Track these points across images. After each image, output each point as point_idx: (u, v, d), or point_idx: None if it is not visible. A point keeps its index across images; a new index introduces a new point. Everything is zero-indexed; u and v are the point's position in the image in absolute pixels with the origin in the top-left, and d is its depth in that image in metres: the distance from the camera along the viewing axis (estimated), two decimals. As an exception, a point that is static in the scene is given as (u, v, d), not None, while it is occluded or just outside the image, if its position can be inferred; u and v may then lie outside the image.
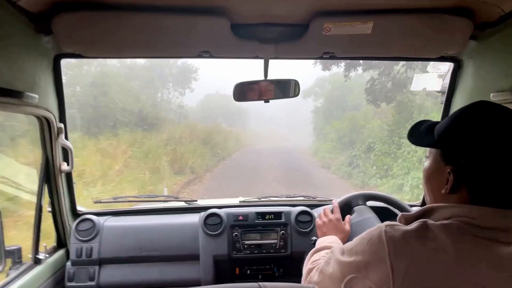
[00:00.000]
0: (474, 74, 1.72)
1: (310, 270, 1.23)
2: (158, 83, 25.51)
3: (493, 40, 1.53)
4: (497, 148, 0.85)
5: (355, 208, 1.89)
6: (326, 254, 1.33)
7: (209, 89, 39.48)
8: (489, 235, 0.85)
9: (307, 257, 1.41)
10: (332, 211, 1.76)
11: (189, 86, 26.81)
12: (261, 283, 0.90)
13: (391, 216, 2.03)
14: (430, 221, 0.90)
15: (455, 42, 1.58)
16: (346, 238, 1.65)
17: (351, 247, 1.00)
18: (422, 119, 1.12)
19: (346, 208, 1.90)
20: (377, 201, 1.98)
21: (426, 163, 1.03)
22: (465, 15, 1.45)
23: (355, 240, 1.00)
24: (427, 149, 1.04)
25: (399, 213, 1.94)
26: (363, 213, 1.85)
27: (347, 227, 1.69)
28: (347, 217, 1.75)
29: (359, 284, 0.94)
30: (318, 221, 1.74)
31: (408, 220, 0.96)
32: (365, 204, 1.93)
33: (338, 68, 17.33)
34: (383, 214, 1.95)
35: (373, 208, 1.91)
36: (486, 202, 0.88)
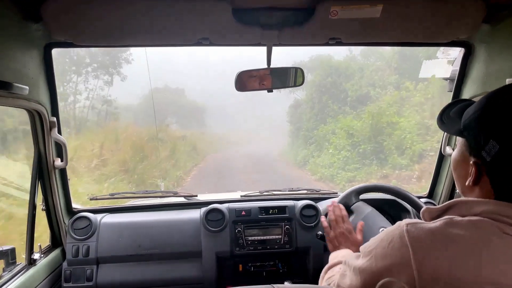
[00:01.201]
0: (486, 59, 1.65)
1: None
2: (67, 66, 17.20)
3: (507, 23, 1.47)
4: None
5: (352, 207, 1.83)
6: (340, 270, 1.26)
7: (157, 82, 31.05)
8: None
9: (321, 274, 1.32)
10: (343, 220, 1.62)
11: (119, 71, 18.91)
12: (274, 285, 0.84)
13: (392, 206, 1.99)
14: (456, 218, 0.84)
15: (467, 25, 1.52)
16: None
17: (369, 249, 0.92)
18: None
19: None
20: (370, 192, 1.92)
21: (455, 151, 0.98)
22: None
23: (373, 242, 0.93)
24: None
25: (399, 201, 1.91)
26: (361, 211, 1.79)
27: (359, 237, 1.56)
28: (359, 224, 1.62)
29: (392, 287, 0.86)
30: (328, 233, 1.61)
31: (433, 215, 0.90)
32: (359, 200, 1.86)
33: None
34: (382, 205, 1.93)
35: (371, 201, 1.86)
36: (510, 197, 0.82)
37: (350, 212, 1.82)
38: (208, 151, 20.90)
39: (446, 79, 2.00)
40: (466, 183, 0.89)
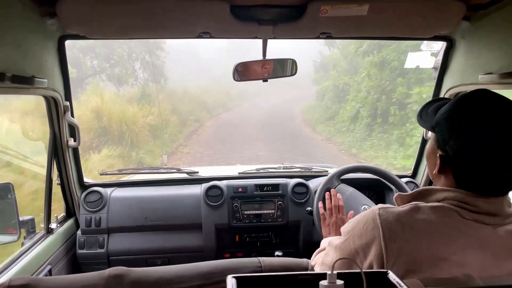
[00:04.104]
0: (465, 53, 1.77)
1: (312, 267, 1.31)
2: None
3: (484, 22, 1.57)
4: (478, 141, 0.91)
5: (335, 190, 1.97)
6: (325, 251, 1.37)
7: None
8: (476, 217, 0.93)
9: (312, 257, 1.43)
10: (339, 210, 1.72)
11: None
12: (260, 258, 0.98)
13: (371, 184, 2.22)
14: (421, 203, 0.98)
15: (449, 22, 1.61)
16: None
17: (348, 229, 1.07)
18: None
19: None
20: (349, 173, 2.08)
21: (427, 144, 1.11)
22: None
23: (351, 223, 1.07)
24: None
25: (381, 178, 2.12)
26: (343, 192, 1.95)
27: None
28: (350, 213, 1.73)
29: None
30: (324, 220, 1.73)
31: (404, 200, 1.04)
32: (340, 182, 2.03)
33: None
34: (365, 184, 2.15)
35: (353, 181, 2.05)
36: (469, 188, 0.95)
37: None
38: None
39: (431, 68, 2.14)
40: (434, 172, 1.03)
